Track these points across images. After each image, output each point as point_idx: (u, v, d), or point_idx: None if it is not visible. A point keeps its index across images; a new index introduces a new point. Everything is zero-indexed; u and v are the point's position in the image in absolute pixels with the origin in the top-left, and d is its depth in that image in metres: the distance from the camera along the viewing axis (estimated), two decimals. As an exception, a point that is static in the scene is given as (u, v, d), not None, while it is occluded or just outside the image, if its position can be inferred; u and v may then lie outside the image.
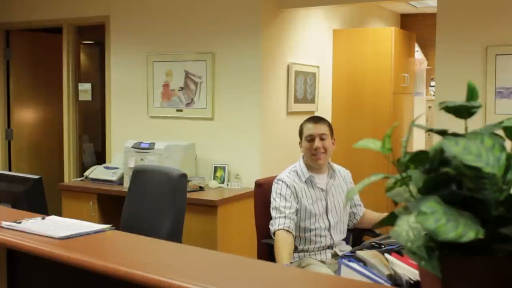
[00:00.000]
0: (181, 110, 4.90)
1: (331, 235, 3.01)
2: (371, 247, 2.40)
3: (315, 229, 2.97)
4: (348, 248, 3.02)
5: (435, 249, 1.08)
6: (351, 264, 1.97)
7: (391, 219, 1.20)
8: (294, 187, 2.99)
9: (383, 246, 2.34)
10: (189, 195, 3.39)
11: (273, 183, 3.05)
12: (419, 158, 1.19)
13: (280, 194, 2.97)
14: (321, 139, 3.02)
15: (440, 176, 1.14)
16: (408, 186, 1.18)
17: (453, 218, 1.04)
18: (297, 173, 3.04)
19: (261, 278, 1.68)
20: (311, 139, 3.02)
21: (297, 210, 2.95)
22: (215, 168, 4.69)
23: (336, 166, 3.18)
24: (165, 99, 4.98)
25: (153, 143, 4.43)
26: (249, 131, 4.61)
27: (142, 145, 4.43)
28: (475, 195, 1.09)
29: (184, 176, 3.13)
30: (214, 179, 4.65)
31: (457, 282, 1.10)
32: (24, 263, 2.46)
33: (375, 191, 3.25)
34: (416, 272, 1.77)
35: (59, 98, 5.61)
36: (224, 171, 4.65)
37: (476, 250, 1.08)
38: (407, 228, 1.09)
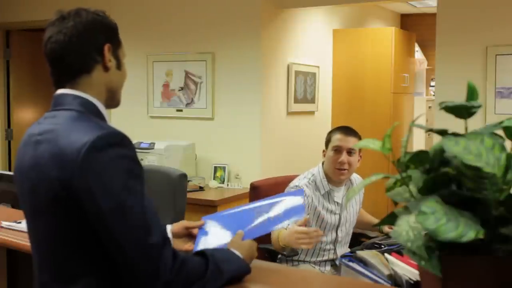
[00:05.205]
0: (181, 110, 4.90)
1: (335, 249, 2.87)
2: (371, 247, 2.40)
3: (321, 242, 2.80)
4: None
5: (435, 249, 1.08)
6: (351, 264, 1.97)
7: (391, 219, 1.20)
8: (312, 199, 2.79)
9: (383, 246, 2.34)
10: (189, 195, 3.39)
11: (289, 189, 2.81)
12: (419, 158, 1.19)
13: None
14: (348, 153, 2.78)
15: (440, 176, 1.14)
16: (408, 186, 1.18)
17: (453, 218, 1.04)
18: (316, 183, 2.83)
19: (257, 277, 1.68)
20: (338, 151, 2.79)
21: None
22: (215, 168, 4.69)
23: (354, 177, 2.97)
24: (165, 99, 4.98)
25: (153, 143, 4.43)
26: (249, 131, 4.61)
27: (142, 145, 4.43)
28: (475, 195, 1.09)
29: (184, 176, 3.12)
30: (214, 179, 4.65)
31: (457, 282, 1.10)
32: (24, 263, 2.46)
33: (375, 191, 3.25)
34: (416, 272, 1.77)
35: (59, 98, 5.61)
36: (224, 171, 4.65)
37: (476, 250, 1.08)
38: (407, 228, 1.09)
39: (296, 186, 2.82)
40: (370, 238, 3.05)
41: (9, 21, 5.71)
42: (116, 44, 1.59)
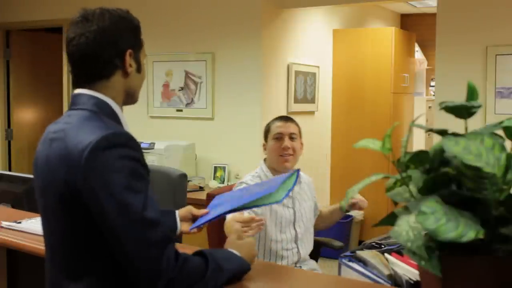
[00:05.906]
0: (181, 110, 4.90)
1: (298, 248, 2.71)
2: (371, 247, 2.40)
3: (282, 241, 2.67)
4: (314, 265, 2.80)
5: (435, 249, 1.08)
6: (351, 264, 1.97)
7: (391, 219, 1.20)
8: None
9: (383, 246, 2.34)
10: (189, 195, 3.39)
11: (234, 188, 2.73)
12: (419, 158, 1.19)
13: None
14: (291, 138, 2.76)
15: (440, 176, 1.14)
16: (408, 186, 1.19)
17: (453, 218, 1.04)
18: (261, 178, 2.73)
19: (257, 277, 1.68)
20: (279, 137, 2.76)
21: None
22: (215, 168, 4.69)
23: (301, 172, 2.88)
24: (165, 99, 4.98)
25: (153, 143, 4.43)
26: (249, 131, 4.61)
27: (142, 145, 4.43)
28: (475, 195, 1.09)
29: (184, 176, 3.12)
30: (214, 179, 4.65)
31: (457, 282, 1.10)
32: (24, 263, 2.46)
33: (375, 191, 3.25)
34: (416, 272, 1.77)
35: (59, 98, 5.61)
36: (224, 171, 4.65)
37: (476, 250, 1.08)
38: (407, 228, 1.09)
39: (241, 183, 2.74)
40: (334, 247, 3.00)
41: (9, 21, 5.70)
42: (138, 46, 1.59)
